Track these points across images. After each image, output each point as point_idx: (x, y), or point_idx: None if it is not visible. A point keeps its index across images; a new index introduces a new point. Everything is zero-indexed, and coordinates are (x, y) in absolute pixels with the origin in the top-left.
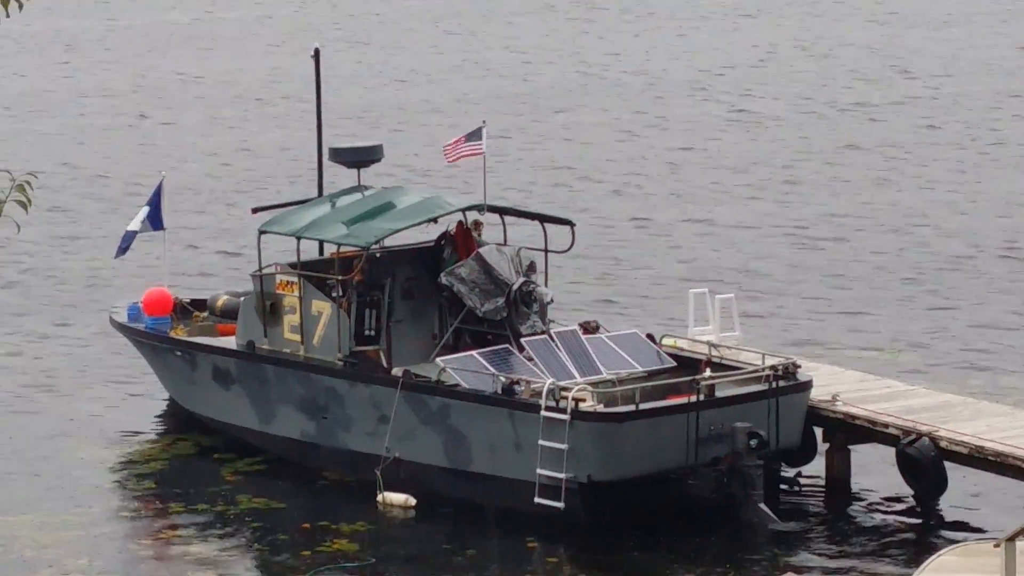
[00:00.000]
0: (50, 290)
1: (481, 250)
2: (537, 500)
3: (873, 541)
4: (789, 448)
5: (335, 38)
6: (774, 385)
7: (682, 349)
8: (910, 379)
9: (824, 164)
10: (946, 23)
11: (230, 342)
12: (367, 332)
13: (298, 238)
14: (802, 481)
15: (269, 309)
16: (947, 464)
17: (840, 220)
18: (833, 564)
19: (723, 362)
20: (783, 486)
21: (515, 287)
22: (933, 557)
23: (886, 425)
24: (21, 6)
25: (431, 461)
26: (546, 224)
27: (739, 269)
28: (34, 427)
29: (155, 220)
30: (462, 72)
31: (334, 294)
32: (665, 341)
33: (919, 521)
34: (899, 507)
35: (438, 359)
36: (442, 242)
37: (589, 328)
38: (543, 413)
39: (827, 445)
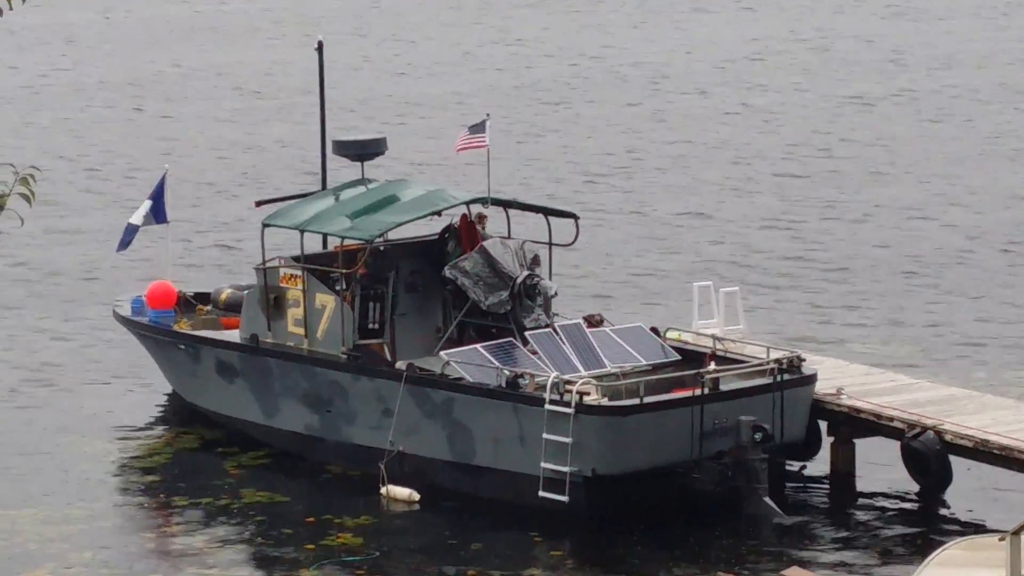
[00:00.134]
0: (53, 284)
1: (485, 243)
2: (541, 494)
3: (878, 535)
4: (794, 442)
5: (338, 31)
6: (779, 379)
7: (686, 342)
8: (915, 373)
9: (828, 157)
10: (945, 17)
11: (234, 335)
12: (371, 325)
13: (302, 231)
14: (807, 475)
15: (273, 302)
16: (952, 457)
17: (845, 213)
18: (838, 558)
19: (727, 355)
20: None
21: (519, 280)
22: (938, 550)
23: (891, 419)
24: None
25: (435, 455)
26: (550, 217)
27: (744, 262)
28: (37, 421)
29: (158, 213)
30: (466, 65)
31: (338, 287)
32: (669, 334)
33: (924, 515)
34: (904, 501)
35: (442, 352)
36: (446, 235)
37: (593, 321)
38: (547, 407)
39: (832, 439)
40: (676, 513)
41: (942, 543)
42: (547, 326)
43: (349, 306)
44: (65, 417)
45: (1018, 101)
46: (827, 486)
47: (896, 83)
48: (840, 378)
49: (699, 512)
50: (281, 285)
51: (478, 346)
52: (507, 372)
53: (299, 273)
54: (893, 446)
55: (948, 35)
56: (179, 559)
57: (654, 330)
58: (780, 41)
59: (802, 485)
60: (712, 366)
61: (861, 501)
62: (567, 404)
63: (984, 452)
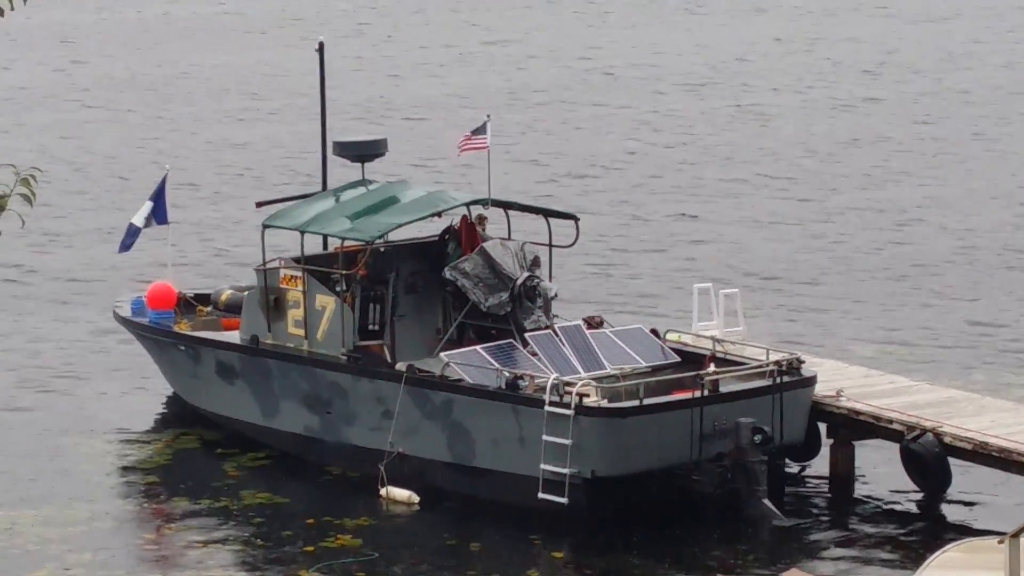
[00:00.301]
0: (53, 285)
1: (485, 245)
2: (541, 495)
3: (877, 537)
4: (793, 444)
5: (339, 31)
6: (778, 380)
7: (686, 344)
8: (914, 375)
9: (828, 159)
10: (942, 19)
11: (234, 336)
12: (371, 327)
13: (302, 232)
14: (806, 477)
15: (273, 303)
16: (951, 460)
17: (845, 215)
18: (837, 560)
19: (727, 357)
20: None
21: (519, 282)
22: (937, 553)
23: (890, 421)
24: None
25: (435, 456)
26: (550, 219)
27: (743, 264)
28: (37, 422)
29: (159, 214)
30: (466, 66)
31: (338, 288)
32: (669, 336)
33: (923, 517)
34: (903, 503)
35: (442, 354)
36: (446, 236)
37: (593, 323)
38: (547, 408)
39: (831, 441)
40: (676, 515)
41: (941, 545)
42: (547, 328)
43: (349, 307)
44: (64, 418)
45: (1015, 102)
46: (826, 488)
47: (894, 85)
48: (839, 380)
49: (699, 514)
50: (281, 286)
51: (478, 347)
52: (507, 374)
53: (299, 274)
54: (892, 448)
55: (945, 37)
56: (179, 560)
57: (654, 332)
58: (782, 43)
59: (801, 487)
60: (712, 368)
61: (860, 503)
62: (567, 406)
63: (983, 455)
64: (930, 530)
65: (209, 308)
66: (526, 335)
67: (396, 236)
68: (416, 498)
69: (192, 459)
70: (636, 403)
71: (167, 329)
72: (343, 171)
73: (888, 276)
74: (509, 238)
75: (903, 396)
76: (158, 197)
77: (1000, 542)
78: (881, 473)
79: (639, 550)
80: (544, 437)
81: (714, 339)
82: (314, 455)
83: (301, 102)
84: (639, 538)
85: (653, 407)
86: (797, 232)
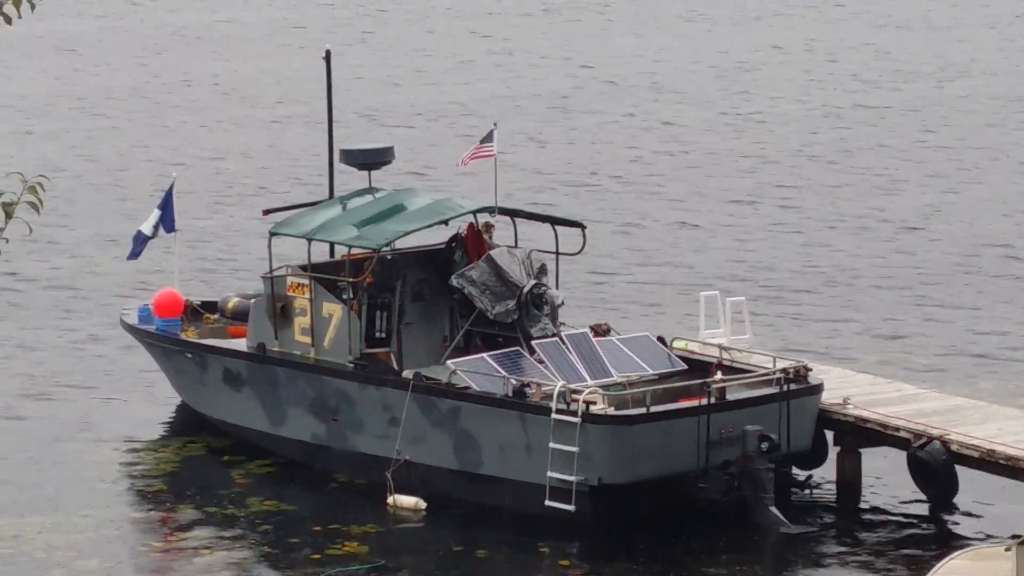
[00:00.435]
0: (58, 293)
1: (492, 252)
2: (548, 503)
3: (884, 545)
4: (800, 451)
5: (345, 40)
6: (785, 388)
7: (693, 352)
8: (921, 383)
9: (834, 166)
10: (948, 27)
11: (240, 344)
12: (378, 334)
13: (309, 240)
14: (813, 484)
15: (280, 311)
16: (958, 468)
17: (851, 223)
18: (843, 568)
19: (734, 365)
20: (795, 489)
21: (526, 289)
22: (944, 561)
23: (897, 429)
24: (33, 6)
25: (441, 464)
26: (557, 226)
27: (750, 272)
28: (44, 429)
29: (167, 222)
30: (473, 74)
31: (345, 296)
32: (676, 344)
33: (930, 525)
34: (910, 511)
35: (449, 361)
36: (453, 244)
37: (600, 331)
38: (554, 416)
39: (838, 448)
40: (682, 522)
41: (948, 553)
42: (554, 335)
43: (356, 315)
44: (70, 425)
45: (1017, 111)
46: (833, 496)
47: (896, 94)
48: (846, 388)
49: (705, 521)
50: (288, 294)
51: (485, 355)
52: (513, 381)
53: (306, 282)
54: (899, 456)
55: (951, 45)
56: (185, 567)
57: (661, 339)
58: (788, 51)
59: (808, 495)
60: (719, 376)
61: (867, 511)
62: (574, 413)
63: (990, 462)
64: (937, 538)
65: (216, 316)
66: (533, 343)
67: (403, 244)
68: (423, 505)
69: (199, 466)
70: (643, 411)
71: (174, 337)
72: (350, 179)
73: (894, 284)
74: (516, 246)
75: (910, 404)
76: (166, 205)
77: (1007, 550)
78: (888, 481)
79: (645, 557)
80: (551, 445)
81: (721, 347)
82: (321, 462)
83: (306, 110)
84: (645, 546)
85: (660, 415)
86: (803, 240)
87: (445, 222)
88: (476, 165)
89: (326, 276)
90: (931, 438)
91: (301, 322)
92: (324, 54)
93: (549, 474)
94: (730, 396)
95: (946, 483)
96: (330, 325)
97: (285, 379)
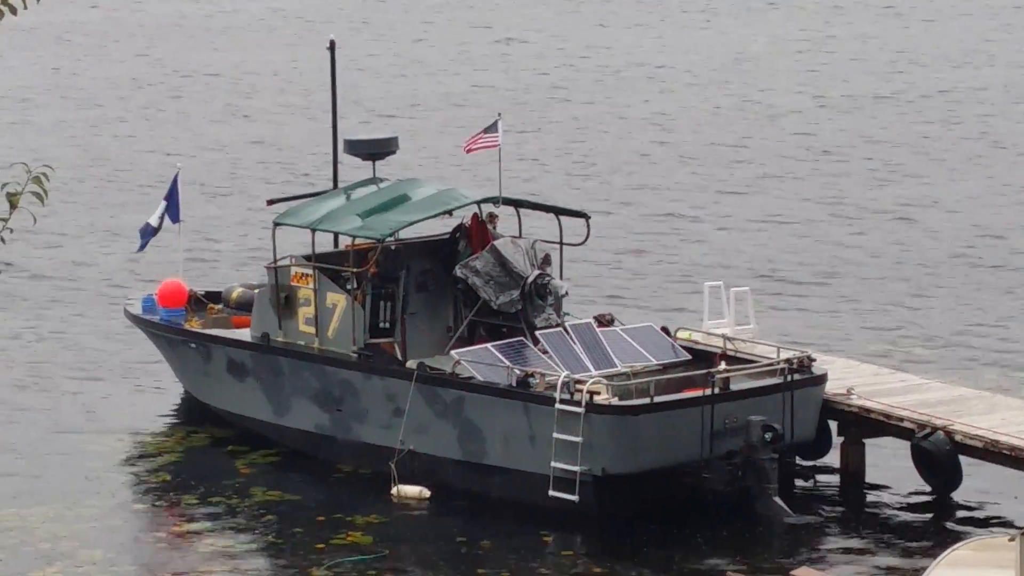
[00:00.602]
0: (64, 282)
1: (496, 243)
2: (551, 493)
3: (888, 535)
4: (804, 441)
5: (349, 30)
6: (789, 378)
7: (697, 342)
8: (925, 373)
9: (839, 158)
10: (958, 16)
11: (245, 334)
12: (382, 324)
13: (313, 230)
14: (817, 475)
15: (284, 301)
16: (962, 458)
17: (855, 213)
18: (847, 558)
19: (738, 355)
20: (799, 480)
21: (530, 280)
22: (948, 551)
23: (901, 419)
24: None
25: (445, 454)
26: (561, 217)
27: (755, 262)
28: (48, 419)
29: (172, 213)
30: (477, 64)
31: (349, 286)
32: (680, 334)
33: (934, 515)
34: (914, 501)
35: (453, 352)
36: (457, 234)
37: (604, 321)
38: (558, 406)
39: (842, 438)
40: (686, 512)
41: (951, 543)
42: (558, 325)
43: (360, 305)
44: (75, 415)
45: (1021, 100)
46: (837, 486)
47: (902, 84)
48: (850, 378)
49: (709, 512)
50: (292, 284)
51: (489, 345)
52: (517, 371)
53: (310, 272)
54: (903, 446)
55: (948, 37)
56: (189, 557)
57: (664, 330)
58: (792, 41)
59: (812, 485)
60: (722, 366)
61: (871, 501)
62: (577, 403)
63: (994, 452)
64: (940, 528)
65: (220, 306)
66: (537, 333)
67: (407, 234)
68: (427, 495)
69: (203, 456)
70: (647, 401)
71: (178, 327)
72: (354, 169)
73: (898, 274)
74: (520, 236)
75: (914, 394)
76: (171, 196)
77: (1011, 540)
78: (892, 471)
79: (649, 548)
80: (555, 435)
81: (725, 337)
82: (325, 453)
83: (312, 100)
84: (649, 536)
85: (664, 405)
86: (808, 230)
87: (449, 212)
88: (480, 156)
89: (330, 266)
90: (935, 428)
91: (305, 312)
92: (328, 44)
93: (553, 464)
94: (734, 386)
95: (950, 473)
96: (334, 315)
97: (289, 369)
